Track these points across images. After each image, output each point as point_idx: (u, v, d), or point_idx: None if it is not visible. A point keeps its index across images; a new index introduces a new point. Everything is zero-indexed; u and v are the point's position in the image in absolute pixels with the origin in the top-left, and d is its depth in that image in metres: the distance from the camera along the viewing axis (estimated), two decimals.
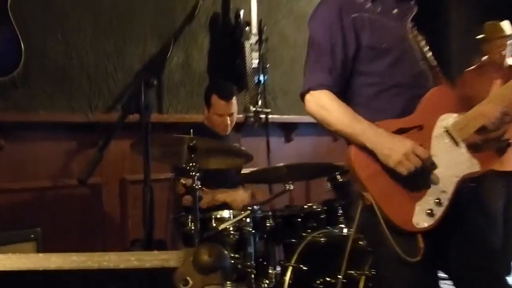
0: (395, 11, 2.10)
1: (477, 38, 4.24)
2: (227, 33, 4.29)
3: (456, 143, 2.03)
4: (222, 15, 4.32)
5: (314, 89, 2.04)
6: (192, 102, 4.21)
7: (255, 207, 3.17)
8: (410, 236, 1.96)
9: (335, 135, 2.10)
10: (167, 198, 3.78)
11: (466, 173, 2.03)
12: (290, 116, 4.71)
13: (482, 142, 2.08)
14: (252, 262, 3.05)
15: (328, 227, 3.21)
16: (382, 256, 2.05)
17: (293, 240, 3.16)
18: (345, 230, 3.16)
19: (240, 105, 3.81)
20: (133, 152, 2.93)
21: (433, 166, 1.99)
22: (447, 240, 2.04)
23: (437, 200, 1.97)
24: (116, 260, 1.30)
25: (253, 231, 3.11)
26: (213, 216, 3.13)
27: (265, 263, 3.17)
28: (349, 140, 2.02)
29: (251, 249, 3.08)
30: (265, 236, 3.20)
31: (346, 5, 2.05)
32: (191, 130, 2.84)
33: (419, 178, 1.96)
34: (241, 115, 3.92)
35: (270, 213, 3.22)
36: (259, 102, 4.10)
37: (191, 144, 2.80)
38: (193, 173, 2.79)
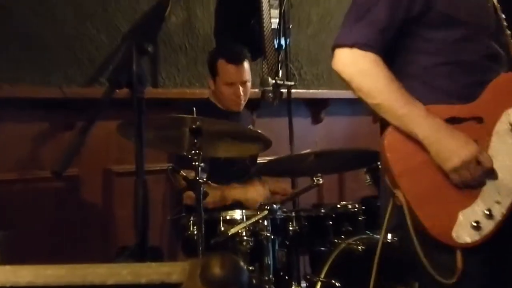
0: None
1: None
2: None
3: None
4: None
5: (361, 47, 2.04)
6: (195, 73, 4.22)
7: (274, 206, 3.18)
8: (448, 251, 1.97)
9: (374, 113, 2.10)
10: (163, 195, 3.81)
11: None
12: (320, 91, 4.72)
13: None
14: (271, 276, 3.08)
15: (368, 232, 3.22)
16: (418, 271, 2.07)
17: (322, 249, 3.20)
18: (389, 236, 3.17)
19: (255, 76, 3.83)
20: (120, 136, 2.96)
21: (493, 175, 2.00)
22: (500, 266, 2.05)
23: (488, 212, 1.97)
24: (104, 274, 1.28)
25: (272, 237, 3.13)
26: (221, 218, 3.16)
27: (287, 277, 3.20)
28: (389, 122, 2.03)
29: (269, 260, 3.10)
30: (287, 243, 3.23)
31: None
32: (194, 109, 2.86)
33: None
34: (256, 89, 3.93)
35: (293, 214, 3.24)
36: (280, 73, 4.10)
37: (194, 126, 2.82)
38: (197, 164, 2.81)
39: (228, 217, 3.17)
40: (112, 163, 3.81)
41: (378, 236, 3.18)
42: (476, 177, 1.96)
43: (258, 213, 3.14)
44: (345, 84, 2.09)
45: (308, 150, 3.24)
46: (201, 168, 2.82)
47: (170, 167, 3.44)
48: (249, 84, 3.63)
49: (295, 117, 4.22)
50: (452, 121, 2.01)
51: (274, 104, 4.13)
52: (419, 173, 1.99)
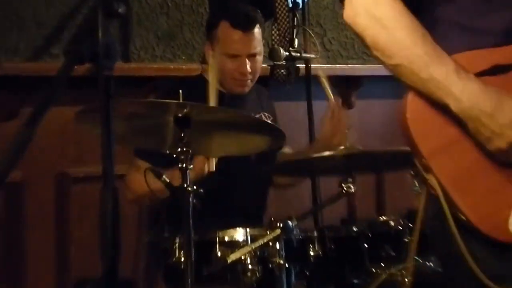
0: None
1: None
2: None
3: None
4: None
5: None
6: (181, 42, 4.23)
7: (289, 223, 3.17)
8: (502, 250, 1.98)
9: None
10: (137, 208, 3.81)
11: None
12: (349, 66, 4.72)
13: None
14: None
15: (417, 258, 3.21)
16: (454, 278, 2.11)
17: (355, 281, 3.21)
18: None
19: (264, 45, 3.82)
20: (80, 128, 2.96)
21: None
22: None
23: None
24: None
25: (287, 265, 3.13)
26: (218, 239, 3.15)
27: None
28: (411, 87, 2.04)
29: None
30: (307, 273, 3.24)
31: None
32: (180, 91, 2.87)
33: None
34: (265, 64, 3.92)
35: (315, 234, 3.24)
36: (296, 42, 4.09)
37: (180, 115, 2.83)
38: (184, 166, 2.82)
39: (227, 238, 3.17)
40: (68, 165, 3.80)
41: (431, 265, 3.20)
42: None
43: (268, 232, 3.13)
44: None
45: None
46: (188, 171, 2.82)
47: (147, 170, 3.45)
48: (260, 58, 3.62)
49: (316, 101, 4.22)
50: (495, 71, 2.02)
51: (288, 84, 4.14)
52: (456, 150, 2.01)
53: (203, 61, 3.72)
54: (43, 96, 1.90)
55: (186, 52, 4.21)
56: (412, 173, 3.39)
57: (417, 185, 3.38)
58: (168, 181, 3.01)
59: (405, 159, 3.37)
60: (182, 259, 2.97)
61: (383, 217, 3.45)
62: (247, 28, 3.55)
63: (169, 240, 3.18)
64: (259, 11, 3.73)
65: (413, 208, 3.44)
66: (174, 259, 3.11)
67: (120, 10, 1.81)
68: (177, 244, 3.11)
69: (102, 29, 1.79)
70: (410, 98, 2.03)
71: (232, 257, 3.08)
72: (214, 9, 3.83)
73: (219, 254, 3.12)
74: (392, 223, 3.33)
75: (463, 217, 1.97)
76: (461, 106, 1.96)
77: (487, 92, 1.97)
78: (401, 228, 3.31)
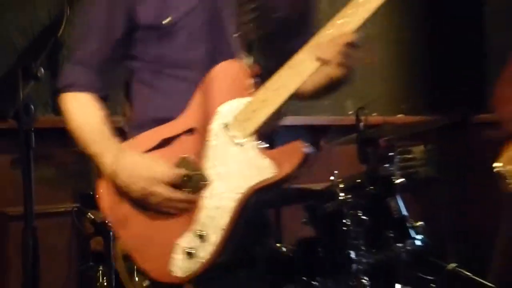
0: None
1: None
2: None
3: (240, 142, 2.05)
4: None
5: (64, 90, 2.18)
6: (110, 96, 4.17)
7: None
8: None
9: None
10: (68, 241, 3.73)
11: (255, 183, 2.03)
12: None
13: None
14: None
15: (304, 278, 3.21)
16: None
17: None
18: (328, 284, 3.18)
19: None
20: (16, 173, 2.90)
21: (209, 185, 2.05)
22: None
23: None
24: None
25: None
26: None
27: None
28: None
29: None
30: None
31: None
32: None
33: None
34: None
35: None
36: None
37: None
38: None
39: None
40: (5, 204, 3.71)
41: (317, 285, 3.20)
42: (177, 200, 2.04)
43: None
44: None
45: None
46: None
47: (75, 208, 3.41)
48: None
49: None
50: (164, 143, 2.10)
51: None
52: (130, 219, 2.10)
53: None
54: None
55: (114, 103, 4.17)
56: (304, 207, 3.40)
57: (306, 217, 3.42)
58: (92, 217, 2.97)
59: (296, 196, 3.41)
60: (105, 284, 2.91)
61: (277, 244, 3.41)
62: None
63: (94, 269, 3.11)
64: None
65: (302, 237, 3.46)
66: (98, 285, 3.06)
67: (38, 74, 1.79)
68: (100, 272, 3.06)
69: (22, 90, 1.77)
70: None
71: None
72: None
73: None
74: (284, 250, 3.30)
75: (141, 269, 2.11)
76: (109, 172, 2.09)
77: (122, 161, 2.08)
78: (291, 255, 3.29)
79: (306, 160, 1.99)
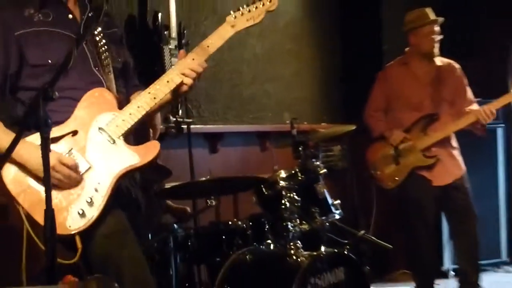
0: (70, 16, 2.31)
1: (404, 30, 4.23)
2: (144, 38, 4.26)
3: (113, 141, 2.23)
4: (138, 18, 4.29)
5: None
6: None
7: (175, 226, 3.15)
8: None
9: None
10: None
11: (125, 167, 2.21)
12: (215, 126, 4.72)
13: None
14: (174, 285, 3.03)
15: (255, 243, 3.23)
16: None
17: (217, 259, 3.17)
18: (272, 247, 3.20)
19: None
20: None
21: (90, 169, 2.18)
22: None
23: (90, 200, 2.14)
24: None
25: (175, 252, 3.09)
26: None
27: (186, 284, 3.18)
28: None
29: (172, 271, 3.06)
30: (187, 256, 3.19)
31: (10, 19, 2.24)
32: None
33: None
34: (161, 126, 3.88)
35: (192, 232, 3.22)
36: (180, 111, 4.09)
37: None
38: None
39: None
40: None
41: (264, 247, 3.22)
42: (67, 175, 2.12)
43: None
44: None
45: (206, 177, 3.24)
46: None
47: None
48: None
49: (195, 149, 4.20)
50: (54, 140, 2.14)
51: (176, 138, 4.12)
52: (31, 188, 2.14)
53: None
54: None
55: None
56: (253, 192, 3.43)
57: (254, 199, 3.44)
58: None
59: (248, 184, 3.44)
60: None
61: (234, 220, 3.43)
62: None
63: None
64: None
65: (252, 214, 3.49)
66: None
67: (54, 96, 1.79)
68: None
69: (42, 108, 1.77)
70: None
71: None
72: None
73: None
74: (240, 223, 3.33)
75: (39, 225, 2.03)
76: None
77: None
78: (245, 226, 3.31)
79: (159, 153, 2.26)
